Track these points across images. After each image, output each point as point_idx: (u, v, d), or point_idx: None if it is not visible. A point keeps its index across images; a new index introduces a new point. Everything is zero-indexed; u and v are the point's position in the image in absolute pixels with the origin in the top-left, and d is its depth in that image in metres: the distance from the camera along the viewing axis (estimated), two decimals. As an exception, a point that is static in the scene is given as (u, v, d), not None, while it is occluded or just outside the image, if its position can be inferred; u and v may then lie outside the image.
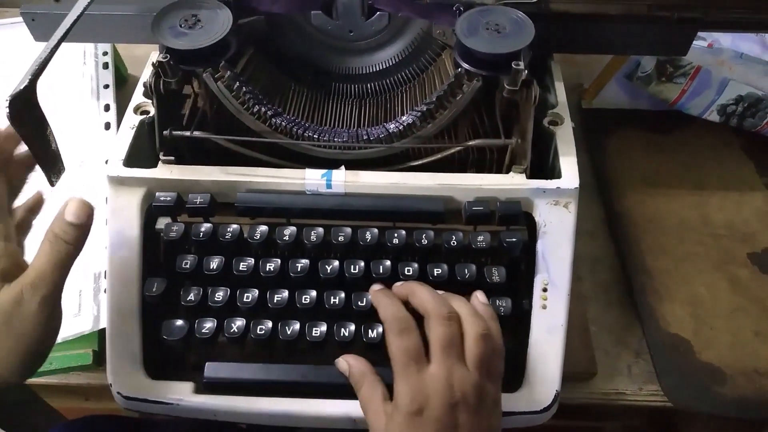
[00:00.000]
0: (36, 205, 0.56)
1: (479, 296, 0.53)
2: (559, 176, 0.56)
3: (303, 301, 0.54)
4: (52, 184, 0.51)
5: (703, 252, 0.71)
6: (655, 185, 0.76)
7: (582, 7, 0.62)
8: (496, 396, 0.48)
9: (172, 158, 0.56)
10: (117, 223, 0.56)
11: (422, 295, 0.50)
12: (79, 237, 0.46)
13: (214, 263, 0.55)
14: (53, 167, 0.50)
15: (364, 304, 0.54)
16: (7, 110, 0.44)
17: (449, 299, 0.50)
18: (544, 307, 0.55)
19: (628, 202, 0.75)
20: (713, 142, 0.80)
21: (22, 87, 0.45)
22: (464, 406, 0.45)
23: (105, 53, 0.79)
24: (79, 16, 0.52)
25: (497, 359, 0.49)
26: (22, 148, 0.53)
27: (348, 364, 0.51)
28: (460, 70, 0.56)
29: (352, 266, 0.55)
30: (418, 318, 0.49)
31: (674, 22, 0.61)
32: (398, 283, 0.53)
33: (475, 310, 0.50)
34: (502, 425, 0.49)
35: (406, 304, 0.50)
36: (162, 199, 0.55)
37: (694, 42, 0.64)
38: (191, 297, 0.54)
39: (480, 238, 0.55)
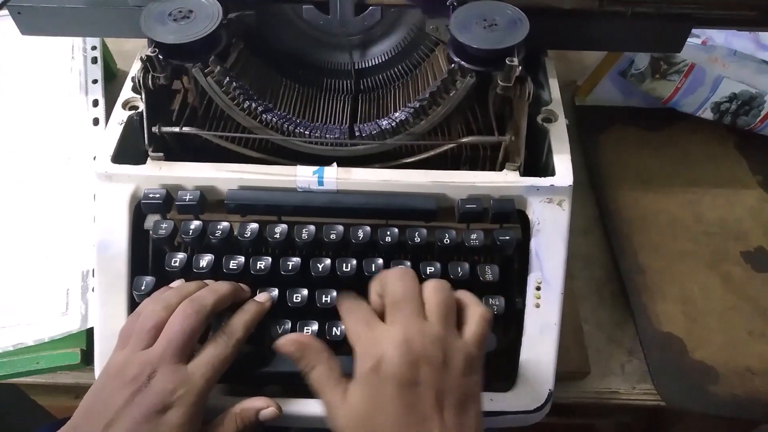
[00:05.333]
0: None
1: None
2: (552, 174, 0.55)
3: (294, 300, 0.54)
4: None
5: (696, 250, 0.71)
6: (648, 183, 0.76)
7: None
8: (467, 352, 0.43)
9: (161, 155, 0.55)
10: (105, 221, 0.55)
11: (381, 273, 0.48)
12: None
13: (204, 261, 0.54)
14: None
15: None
16: None
17: None
18: (538, 305, 0.54)
19: (621, 199, 0.74)
20: (707, 140, 0.80)
21: None
22: (425, 359, 0.41)
23: (94, 48, 0.77)
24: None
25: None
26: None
27: (295, 343, 0.45)
28: (453, 66, 0.56)
29: (344, 264, 0.54)
30: None
31: (630, 16, 0.60)
32: None
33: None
34: (494, 423, 0.48)
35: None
36: (151, 196, 0.54)
37: (688, 39, 0.64)
38: (180, 296, 0.53)
39: (473, 236, 0.54)
